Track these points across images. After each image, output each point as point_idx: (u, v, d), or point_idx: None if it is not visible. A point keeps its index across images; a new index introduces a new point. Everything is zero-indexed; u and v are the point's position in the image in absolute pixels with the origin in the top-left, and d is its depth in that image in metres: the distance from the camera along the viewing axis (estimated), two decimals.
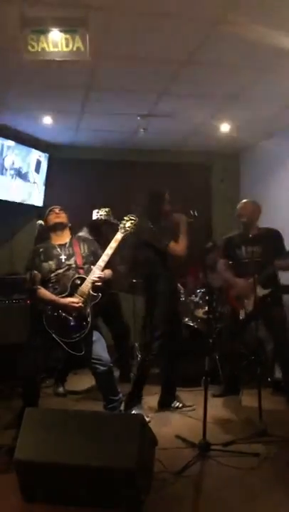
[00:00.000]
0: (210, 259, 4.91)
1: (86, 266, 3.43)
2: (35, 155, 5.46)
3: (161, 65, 3.51)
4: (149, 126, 4.77)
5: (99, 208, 4.68)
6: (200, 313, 4.85)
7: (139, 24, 2.95)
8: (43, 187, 5.66)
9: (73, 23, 2.79)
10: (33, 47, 2.79)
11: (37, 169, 5.53)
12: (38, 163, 5.52)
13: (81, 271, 3.41)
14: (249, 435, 3.38)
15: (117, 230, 4.39)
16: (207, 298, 4.52)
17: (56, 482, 2.54)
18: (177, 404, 4.02)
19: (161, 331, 3.83)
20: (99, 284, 3.33)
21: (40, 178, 5.61)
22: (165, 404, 4.02)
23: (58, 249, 3.47)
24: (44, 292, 3.32)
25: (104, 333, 4.66)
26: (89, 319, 3.31)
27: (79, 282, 3.35)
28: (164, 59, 3.43)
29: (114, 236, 4.50)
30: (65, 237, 3.55)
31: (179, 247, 3.81)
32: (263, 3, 2.73)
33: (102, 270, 3.35)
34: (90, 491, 2.49)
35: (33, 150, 5.40)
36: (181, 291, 4.29)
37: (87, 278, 3.34)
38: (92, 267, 3.38)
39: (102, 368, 3.33)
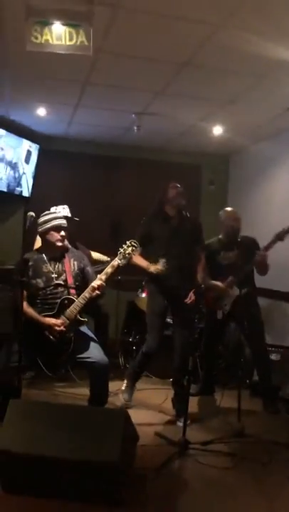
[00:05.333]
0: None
1: (77, 285, 3.40)
2: (26, 145, 5.42)
3: (160, 64, 3.52)
4: (142, 124, 4.78)
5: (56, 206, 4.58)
6: None
7: (142, 23, 2.95)
8: (32, 178, 5.62)
9: (78, 17, 2.78)
10: (36, 38, 2.76)
11: (27, 159, 5.49)
12: (29, 154, 5.48)
13: (72, 291, 3.37)
14: (227, 435, 3.45)
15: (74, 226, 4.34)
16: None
17: (37, 474, 2.54)
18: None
19: (148, 328, 3.87)
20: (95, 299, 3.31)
21: (30, 168, 5.57)
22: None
23: (48, 265, 3.42)
24: (26, 309, 3.25)
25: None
26: (71, 345, 3.27)
27: (67, 302, 3.32)
28: (164, 59, 3.44)
29: (74, 232, 4.40)
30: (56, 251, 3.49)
31: (133, 257, 3.58)
32: (262, 15, 2.78)
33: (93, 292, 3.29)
34: (71, 484, 2.50)
35: (24, 140, 5.36)
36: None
37: (76, 300, 3.30)
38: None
39: (99, 365, 3.29)
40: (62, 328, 3.27)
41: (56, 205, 4.50)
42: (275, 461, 3.12)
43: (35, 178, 5.63)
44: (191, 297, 3.75)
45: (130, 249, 3.36)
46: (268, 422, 3.85)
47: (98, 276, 3.35)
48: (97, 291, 3.29)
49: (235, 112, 4.49)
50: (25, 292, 3.25)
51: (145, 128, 4.82)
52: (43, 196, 5.32)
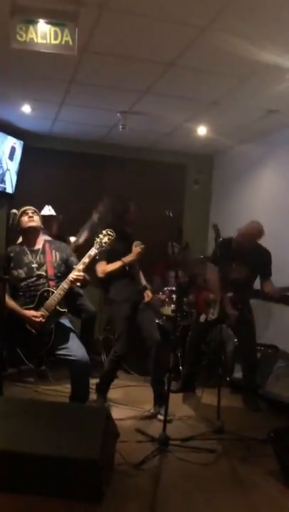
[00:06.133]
0: (182, 257, 5.03)
1: (58, 276, 3.40)
2: (10, 142, 5.40)
3: (146, 65, 3.54)
4: (128, 123, 4.80)
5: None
6: (166, 310, 4.94)
7: (128, 23, 2.97)
8: (16, 174, 5.60)
9: (63, 17, 2.79)
10: (21, 36, 2.76)
11: (11, 156, 5.47)
12: (13, 150, 5.47)
13: (52, 283, 3.38)
14: (207, 432, 3.50)
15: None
16: (176, 296, 4.61)
17: (18, 471, 2.56)
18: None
19: (118, 333, 3.93)
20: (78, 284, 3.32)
21: (14, 165, 5.55)
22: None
23: (30, 256, 3.44)
24: (8, 301, 3.28)
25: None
26: (52, 337, 3.29)
27: (46, 295, 3.34)
28: (149, 59, 3.46)
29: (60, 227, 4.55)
30: (37, 242, 3.51)
31: (100, 267, 3.80)
32: (247, 19, 2.82)
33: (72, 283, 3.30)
34: (52, 481, 2.52)
35: (9, 137, 5.34)
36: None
37: (55, 292, 3.32)
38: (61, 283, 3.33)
39: (80, 363, 3.30)
40: (41, 319, 3.28)
41: (39, 203, 4.52)
42: (253, 457, 3.18)
43: (19, 174, 5.62)
44: (148, 295, 4.01)
45: (106, 238, 3.39)
46: (247, 419, 3.92)
47: (76, 267, 3.37)
48: (77, 283, 3.32)
49: (220, 113, 4.54)
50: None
51: (130, 127, 4.84)
52: (27, 193, 5.33)
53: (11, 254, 3.42)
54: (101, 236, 3.40)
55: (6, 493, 2.54)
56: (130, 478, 2.81)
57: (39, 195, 5.34)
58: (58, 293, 3.32)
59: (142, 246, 3.90)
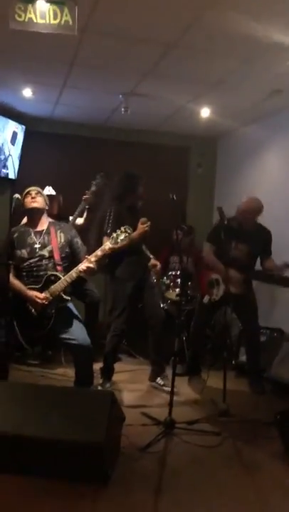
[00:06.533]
0: (186, 242, 4.99)
1: (63, 258, 3.41)
2: (12, 126, 5.35)
3: (148, 45, 3.47)
4: (130, 105, 4.74)
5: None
6: (170, 295, 4.93)
7: (128, 2, 2.90)
8: (18, 159, 5.56)
9: None
10: (20, 16, 2.72)
11: (13, 141, 5.43)
12: (14, 135, 5.42)
13: (59, 268, 3.38)
14: (212, 415, 3.51)
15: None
16: (180, 280, 4.58)
17: (24, 454, 2.58)
18: (161, 382, 4.09)
19: (119, 309, 3.95)
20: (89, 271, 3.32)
21: (16, 150, 5.51)
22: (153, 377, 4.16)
23: (33, 237, 3.44)
24: (13, 280, 3.30)
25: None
26: (52, 321, 3.30)
27: (53, 279, 3.34)
28: (151, 39, 3.39)
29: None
30: (42, 223, 3.50)
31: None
32: None
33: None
34: (58, 464, 2.54)
35: (10, 121, 5.29)
36: (154, 278, 4.26)
37: (62, 278, 3.32)
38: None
39: (81, 347, 3.32)
40: (44, 301, 3.29)
41: (42, 187, 4.49)
42: (258, 439, 3.20)
43: (21, 159, 5.57)
44: (156, 265, 4.12)
45: (124, 235, 3.38)
46: (252, 402, 3.93)
47: (88, 257, 3.36)
48: (86, 274, 3.33)
49: (223, 94, 4.46)
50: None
51: (133, 109, 4.77)
52: (30, 178, 5.26)
53: (15, 235, 3.44)
54: (118, 232, 3.40)
55: (11, 475, 2.56)
56: (136, 461, 2.82)
57: (41, 179, 5.28)
58: (64, 280, 3.32)
59: (148, 223, 3.90)
